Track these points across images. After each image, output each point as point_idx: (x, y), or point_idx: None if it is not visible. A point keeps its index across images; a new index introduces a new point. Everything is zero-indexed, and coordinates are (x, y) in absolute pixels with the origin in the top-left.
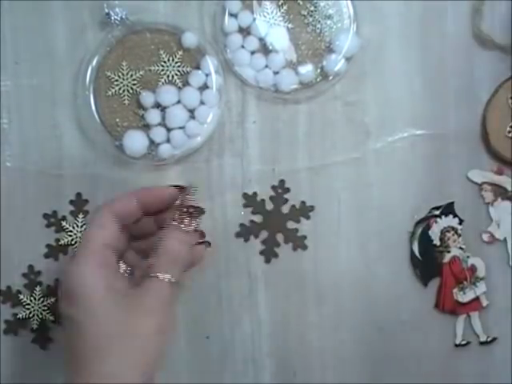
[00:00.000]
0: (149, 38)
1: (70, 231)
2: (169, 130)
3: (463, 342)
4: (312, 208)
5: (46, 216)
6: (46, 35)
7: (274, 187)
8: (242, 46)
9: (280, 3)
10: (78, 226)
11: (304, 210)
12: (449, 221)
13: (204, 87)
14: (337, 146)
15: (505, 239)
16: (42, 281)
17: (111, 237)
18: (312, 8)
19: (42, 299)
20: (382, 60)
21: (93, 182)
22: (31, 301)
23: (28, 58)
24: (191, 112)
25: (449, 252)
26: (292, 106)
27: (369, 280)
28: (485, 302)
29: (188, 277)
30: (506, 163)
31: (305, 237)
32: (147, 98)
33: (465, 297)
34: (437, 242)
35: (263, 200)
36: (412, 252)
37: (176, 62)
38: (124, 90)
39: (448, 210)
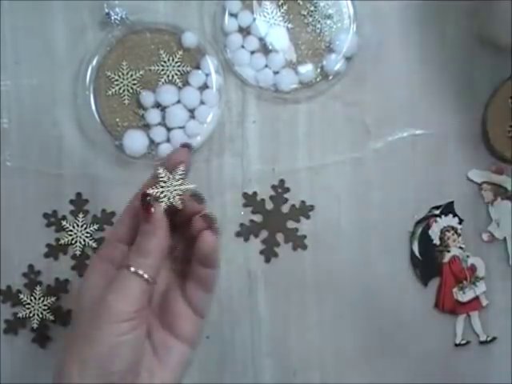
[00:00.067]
0: (149, 38)
1: (70, 231)
2: (169, 129)
3: (463, 342)
4: (312, 208)
5: (46, 215)
6: (46, 35)
7: (273, 187)
8: (242, 46)
9: (280, 3)
10: (77, 225)
11: (304, 210)
12: (449, 220)
13: (204, 87)
14: (337, 145)
15: (504, 239)
16: (41, 280)
17: (122, 230)
18: (312, 8)
19: (42, 299)
20: (382, 60)
21: (93, 182)
22: (31, 300)
23: (28, 58)
24: (191, 112)
25: (449, 252)
26: (292, 105)
27: (369, 280)
28: (484, 302)
29: (212, 277)
30: (506, 163)
31: (305, 236)
32: (147, 97)
33: (465, 296)
34: (437, 241)
35: (263, 200)
36: (412, 252)
37: (176, 62)
38: (124, 90)
39: (448, 209)
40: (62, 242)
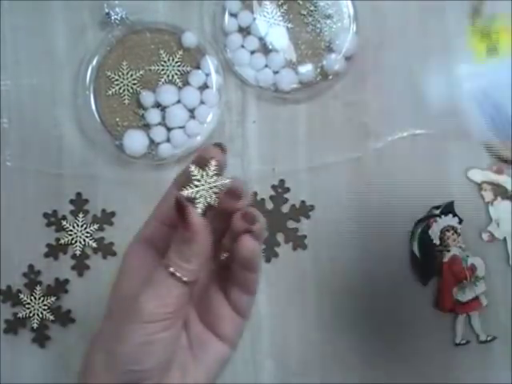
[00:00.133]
0: (149, 38)
1: (70, 230)
2: (169, 129)
3: (463, 342)
4: (312, 207)
5: (46, 215)
6: (46, 35)
7: (274, 187)
8: (242, 46)
9: (280, 3)
10: (77, 225)
11: (304, 210)
12: (448, 220)
13: (204, 87)
14: (337, 145)
15: (504, 239)
16: (42, 280)
17: (169, 210)
18: (312, 8)
19: (42, 298)
20: (382, 60)
21: (93, 182)
22: (31, 300)
23: (28, 58)
24: (191, 112)
25: (448, 251)
26: (292, 105)
27: (369, 280)
28: (484, 302)
29: (253, 281)
30: (506, 163)
31: (305, 236)
32: (147, 97)
33: (464, 296)
34: (436, 241)
35: (263, 200)
36: (412, 252)
37: (176, 62)
38: (124, 90)
39: (448, 209)
40: (61, 241)
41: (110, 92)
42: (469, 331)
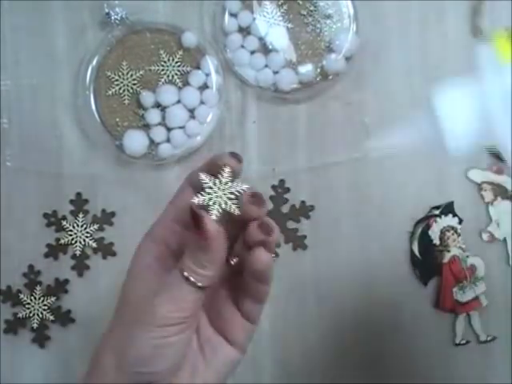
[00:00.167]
0: (149, 38)
1: (70, 231)
2: (169, 129)
3: (463, 342)
4: (312, 208)
5: (46, 215)
6: (46, 35)
7: (274, 187)
8: (242, 46)
9: (280, 3)
10: (77, 225)
11: (304, 210)
12: (448, 220)
13: (204, 87)
14: (337, 145)
15: (504, 239)
16: (41, 280)
17: (183, 208)
18: (312, 8)
19: (41, 299)
20: (381, 60)
21: (93, 182)
22: (31, 300)
23: (28, 58)
24: (191, 112)
25: (448, 252)
26: (292, 105)
27: (369, 280)
28: (484, 302)
29: (263, 292)
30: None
31: (305, 236)
32: (147, 97)
33: (464, 296)
34: (436, 241)
35: None
36: (412, 252)
37: (176, 62)
38: (124, 90)
39: (448, 209)
40: (61, 241)
41: (110, 92)
42: (469, 331)
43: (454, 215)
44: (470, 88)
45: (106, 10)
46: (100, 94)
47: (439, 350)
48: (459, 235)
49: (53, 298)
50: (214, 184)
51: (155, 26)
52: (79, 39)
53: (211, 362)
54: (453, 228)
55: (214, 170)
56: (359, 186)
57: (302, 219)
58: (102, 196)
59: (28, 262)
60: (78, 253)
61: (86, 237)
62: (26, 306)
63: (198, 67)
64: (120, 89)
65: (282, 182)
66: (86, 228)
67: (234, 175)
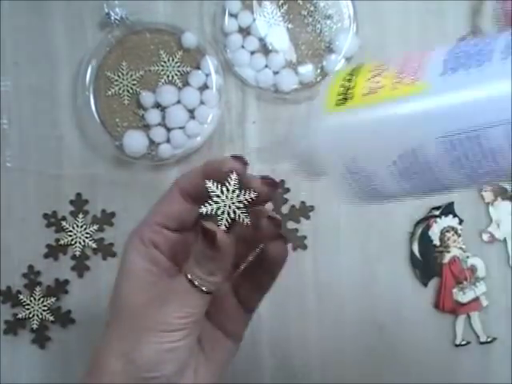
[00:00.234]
0: (149, 38)
1: (70, 231)
2: (169, 129)
3: (463, 342)
4: (312, 208)
5: (45, 216)
6: (46, 35)
7: None
8: (242, 46)
9: (280, 3)
10: (77, 226)
11: (304, 210)
12: (449, 221)
13: (204, 87)
14: None
15: (505, 239)
16: (41, 281)
17: (173, 213)
18: (312, 8)
19: (41, 299)
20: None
21: (93, 182)
22: (31, 301)
23: (28, 58)
24: (191, 112)
25: (449, 252)
26: (292, 105)
27: (369, 280)
28: (485, 302)
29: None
30: None
31: (305, 237)
32: (147, 98)
33: (465, 297)
34: (437, 242)
35: None
36: (412, 252)
37: (176, 62)
38: (124, 90)
39: (448, 210)
40: (61, 242)
41: (110, 92)
42: (469, 332)
43: (454, 216)
44: None
45: (106, 10)
46: (100, 95)
47: (439, 351)
48: (459, 236)
49: (53, 299)
50: (222, 192)
51: (155, 27)
52: (79, 39)
53: (212, 356)
54: (453, 228)
55: (217, 175)
56: None
57: (301, 219)
58: (101, 196)
59: (28, 262)
60: (77, 253)
61: (86, 237)
62: (26, 306)
63: (198, 67)
64: (120, 89)
65: (282, 182)
66: (85, 228)
67: (241, 181)
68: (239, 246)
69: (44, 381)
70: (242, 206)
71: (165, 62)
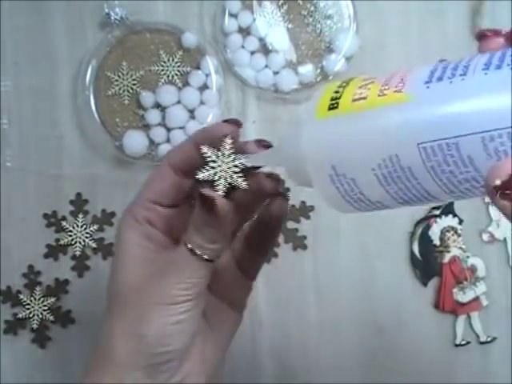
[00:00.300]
0: (149, 38)
1: (70, 231)
2: (169, 130)
3: (463, 342)
4: (312, 208)
5: (45, 216)
6: (46, 35)
7: None
8: (242, 46)
9: (280, 3)
10: (77, 225)
11: (304, 210)
12: (449, 221)
13: (204, 87)
14: None
15: (504, 239)
16: (41, 281)
17: (165, 189)
18: (312, 8)
19: (41, 299)
20: (381, 60)
21: (93, 182)
22: (31, 301)
23: (28, 58)
24: (191, 112)
25: (449, 252)
26: (292, 105)
27: (369, 280)
28: (485, 302)
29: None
30: None
31: (305, 237)
32: (147, 98)
33: (465, 297)
34: (437, 241)
35: None
36: (412, 252)
37: (176, 62)
38: (124, 90)
39: (448, 209)
40: (61, 242)
41: (110, 92)
42: (469, 332)
43: (454, 215)
44: None
45: (106, 10)
46: (100, 95)
47: (439, 351)
48: (459, 235)
49: (53, 299)
50: (217, 157)
51: (155, 27)
52: (79, 39)
53: (218, 329)
54: (453, 228)
55: (210, 142)
56: None
57: (301, 219)
58: (101, 196)
59: (28, 262)
60: (77, 253)
61: (86, 237)
62: (26, 306)
63: (198, 67)
64: (120, 89)
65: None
66: (85, 228)
67: (235, 144)
68: (235, 212)
69: (44, 381)
70: (238, 170)
71: (165, 62)
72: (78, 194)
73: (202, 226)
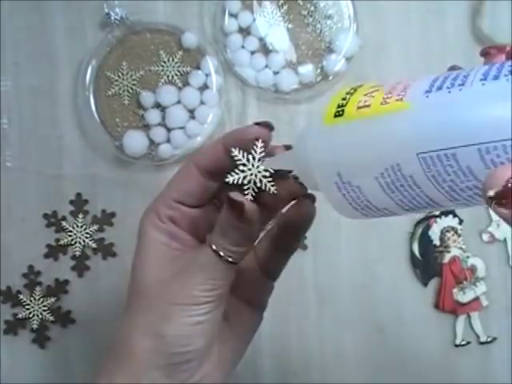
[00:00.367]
0: (149, 38)
1: (70, 231)
2: (169, 130)
3: (463, 342)
4: None
5: (45, 216)
6: (46, 35)
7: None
8: (242, 46)
9: (280, 3)
10: (77, 226)
11: None
12: (449, 221)
13: (204, 87)
14: None
15: (505, 239)
16: (41, 281)
17: (190, 189)
18: (312, 8)
19: (41, 299)
20: (382, 60)
21: (93, 182)
22: (31, 301)
23: (28, 58)
24: (191, 112)
25: (449, 252)
26: (292, 106)
27: (369, 280)
28: (485, 302)
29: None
30: None
31: (305, 237)
32: (147, 98)
33: (465, 297)
34: (437, 242)
35: None
36: (412, 252)
37: (176, 62)
38: (124, 90)
39: (448, 210)
40: (61, 242)
41: (110, 92)
42: (469, 332)
43: (455, 216)
44: None
45: (106, 11)
46: (100, 95)
47: (439, 351)
48: (459, 236)
49: (53, 299)
50: (248, 161)
51: (155, 27)
52: (79, 39)
53: (238, 330)
54: (453, 228)
55: (240, 145)
56: None
57: None
58: (101, 196)
59: (28, 262)
60: (77, 253)
61: (86, 237)
62: (26, 306)
63: (198, 67)
64: (120, 89)
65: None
66: (85, 228)
67: (267, 148)
68: (260, 213)
69: (44, 381)
70: (267, 174)
71: (165, 62)
72: (78, 194)
73: (228, 228)
